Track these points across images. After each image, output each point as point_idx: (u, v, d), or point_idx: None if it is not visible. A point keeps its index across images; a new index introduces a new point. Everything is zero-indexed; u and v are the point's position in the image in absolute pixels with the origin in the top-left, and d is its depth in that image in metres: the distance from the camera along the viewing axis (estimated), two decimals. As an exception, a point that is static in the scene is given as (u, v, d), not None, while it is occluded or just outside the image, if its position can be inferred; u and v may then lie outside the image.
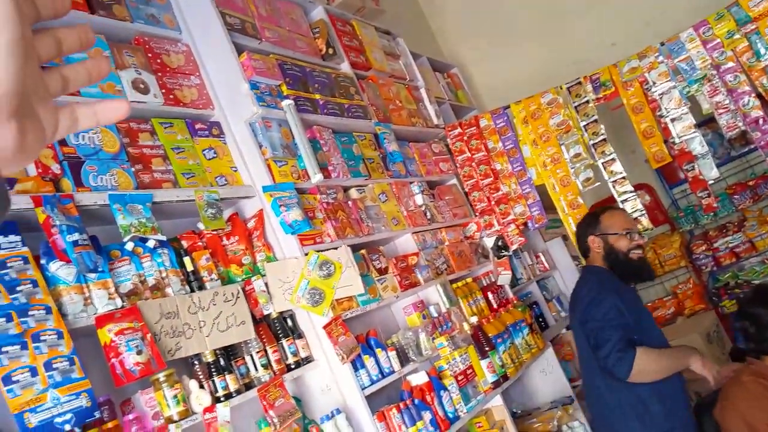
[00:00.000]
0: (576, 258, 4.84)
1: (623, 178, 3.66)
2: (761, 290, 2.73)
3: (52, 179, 1.88)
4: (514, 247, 3.86)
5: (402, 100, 3.77)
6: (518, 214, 3.87)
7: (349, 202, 2.92)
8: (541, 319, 4.32)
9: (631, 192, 3.65)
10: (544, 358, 3.89)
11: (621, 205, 3.64)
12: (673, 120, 3.56)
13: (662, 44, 3.54)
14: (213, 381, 2.06)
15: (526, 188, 3.88)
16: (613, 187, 3.68)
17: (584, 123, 3.74)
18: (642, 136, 3.65)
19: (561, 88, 3.78)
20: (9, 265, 1.67)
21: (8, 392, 1.52)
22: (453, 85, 4.85)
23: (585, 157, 3.72)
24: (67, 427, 1.58)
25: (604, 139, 3.70)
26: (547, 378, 3.97)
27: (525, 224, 3.90)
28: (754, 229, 5.31)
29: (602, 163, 3.70)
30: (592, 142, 3.73)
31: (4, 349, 1.55)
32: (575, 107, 3.76)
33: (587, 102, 3.75)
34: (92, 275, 1.84)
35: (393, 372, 2.63)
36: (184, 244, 2.24)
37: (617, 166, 3.67)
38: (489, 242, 3.93)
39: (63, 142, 1.95)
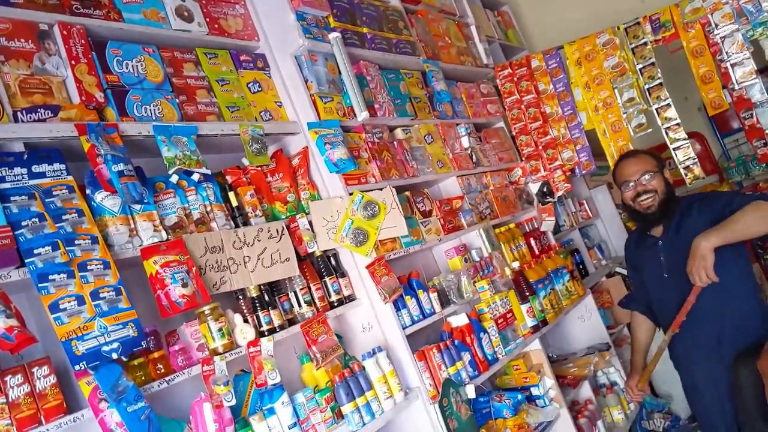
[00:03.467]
0: (620, 206, 4.71)
1: (677, 124, 3.49)
2: None
3: (96, 107, 1.85)
4: (560, 193, 3.75)
5: (451, 37, 3.62)
6: (566, 159, 3.75)
7: (395, 143, 2.84)
8: (581, 267, 4.26)
9: (684, 139, 3.49)
10: (583, 305, 3.85)
11: (673, 153, 3.50)
12: (733, 65, 3.35)
13: (728, -16, 3.30)
14: (257, 315, 2.06)
15: (575, 133, 3.74)
16: (666, 134, 3.51)
17: (640, 66, 3.55)
18: (700, 82, 3.46)
19: (618, 29, 3.59)
20: (54, 193, 1.66)
21: (55, 320, 1.52)
22: (503, 23, 4.65)
23: (639, 101, 3.55)
24: (114, 355, 1.58)
25: (660, 84, 3.52)
26: (585, 324, 3.95)
27: (572, 170, 3.77)
28: (805, 182, 5.08)
29: (656, 109, 3.53)
30: (647, 86, 3.55)
31: (50, 277, 1.55)
32: (632, 49, 3.56)
33: (645, 44, 3.55)
34: (137, 207, 1.82)
35: (434, 313, 2.61)
36: (229, 179, 2.22)
37: (672, 112, 3.50)
38: (534, 188, 3.83)
39: (107, 70, 1.90)
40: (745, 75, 3.33)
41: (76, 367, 1.51)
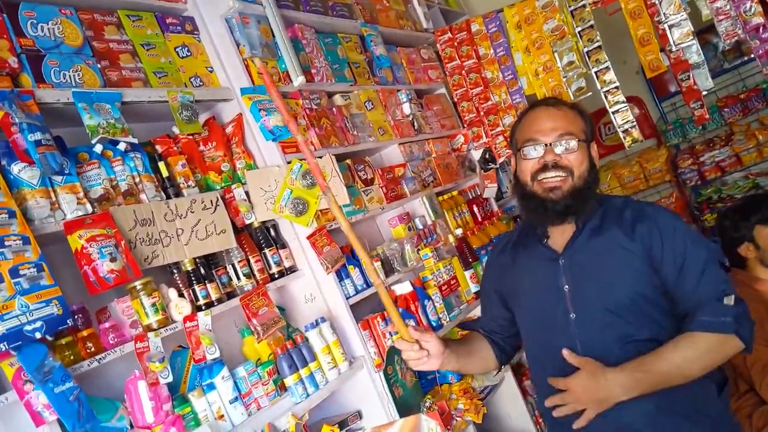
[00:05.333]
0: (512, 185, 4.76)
1: (616, 88, 3.52)
2: (750, 200, 2.72)
3: (9, 74, 1.72)
4: (501, 159, 3.76)
5: (390, 0, 3.55)
6: (507, 125, 3.75)
7: (334, 109, 2.78)
8: (525, 233, 4.29)
9: (623, 103, 3.53)
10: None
11: (612, 117, 3.54)
12: (671, 26, 3.40)
13: (664, -55, 3.33)
14: (193, 290, 1.99)
15: (516, 98, 3.74)
16: (605, 97, 3.55)
17: (580, 29, 3.56)
18: (638, 44, 3.50)
19: (558, -10, 3.58)
20: (-34, 166, 1.55)
21: (-28, 299, 1.43)
22: (442, -13, 4.59)
23: (578, 65, 3.57)
24: (38, 335, 1.50)
25: (599, 47, 3.53)
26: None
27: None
28: (741, 143, 5.26)
29: (595, 72, 3.55)
30: (586, 49, 3.56)
31: (-36, 254, 1.45)
32: (571, 12, 3.57)
33: (584, 6, 3.55)
34: (58, 178, 1.72)
35: (378, 282, 2.59)
36: (159, 148, 2.12)
37: (610, 75, 3.53)
38: (476, 155, 3.83)
39: (20, 33, 1.77)
40: (682, 36, 3.37)
41: (-4, 349, 1.43)
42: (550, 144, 1.64)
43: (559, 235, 1.72)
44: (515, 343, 1.93)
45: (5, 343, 1.45)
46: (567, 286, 1.66)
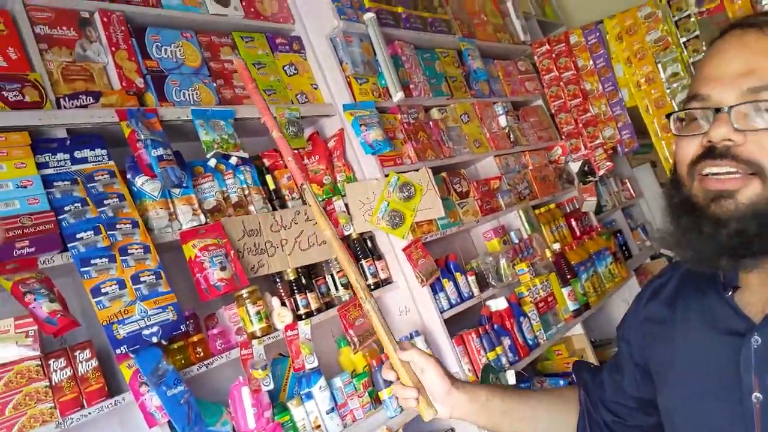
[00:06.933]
0: (664, 185, 4.59)
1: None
2: None
3: (135, 93, 1.86)
4: (601, 172, 3.67)
5: (487, 14, 3.54)
6: (607, 137, 3.65)
7: (430, 123, 2.80)
8: (625, 248, 4.15)
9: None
10: (627, 288, 3.75)
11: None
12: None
13: (775, -48, 3.16)
14: (294, 299, 2.06)
15: (617, 110, 3.64)
16: (713, 109, 3.39)
17: (684, 39, 3.43)
18: (748, 55, 3.33)
19: (661, 1, 3.46)
20: (96, 178, 1.68)
21: (97, 304, 1.54)
22: (541, -2, 4.53)
23: (683, 76, 3.43)
24: (155, 339, 1.60)
25: (706, 57, 3.39)
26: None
27: (614, 149, 3.68)
28: None
29: (703, 84, 3.40)
30: (691, 60, 3.43)
31: (92, 261, 1.57)
32: (675, 22, 3.44)
33: (689, 16, 3.42)
34: (177, 191, 1.83)
35: (472, 296, 2.59)
36: (266, 162, 2.22)
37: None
38: (574, 167, 3.75)
39: (146, 56, 1.91)
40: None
41: (118, 351, 1.53)
42: (728, 109, 0.82)
43: (760, 287, 0.89)
44: None
45: (125, 346, 1.55)
46: (759, 395, 0.85)
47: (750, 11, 3.23)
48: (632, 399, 1.11)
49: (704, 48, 3.36)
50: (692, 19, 3.39)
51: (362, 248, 2.37)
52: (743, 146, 0.81)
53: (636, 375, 1.09)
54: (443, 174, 2.80)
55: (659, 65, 3.46)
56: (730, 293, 0.91)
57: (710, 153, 0.84)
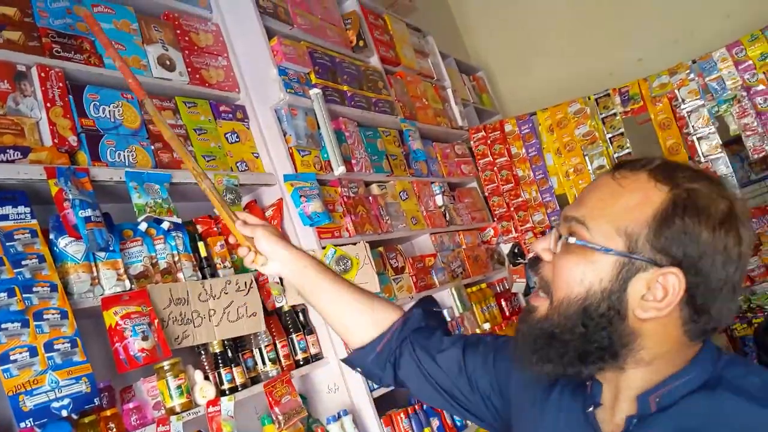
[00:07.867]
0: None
1: (647, 194, 3.56)
2: None
3: (67, 151, 1.79)
4: (530, 255, 3.76)
5: (428, 98, 3.67)
6: (537, 222, 3.78)
7: (370, 198, 2.83)
8: (551, 332, 4.21)
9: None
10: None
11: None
12: (699, 139, 3.47)
13: (694, 62, 3.46)
14: (219, 373, 1.97)
15: (546, 197, 3.79)
16: (636, 203, 3.57)
17: (610, 135, 3.66)
18: (668, 153, 3.56)
19: (589, 99, 3.70)
20: (16, 237, 1.59)
21: (4, 372, 1.43)
22: (478, 88, 4.75)
23: (609, 169, 3.62)
24: (64, 412, 1.49)
25: (629, 153, 3.61)
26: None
27: (543, 233, 3.80)
28: (770, 254, 5.19)
29: (627, 177, 3.60)
30: (616, 155, 3.64)
31: (3, 326, 1.46)
32: (602, 119, 3.67)
33: (614, 114, 3.66)
34: (102, 254, 1.75)
35: (402, 376, 2.54)
36: (199, 228, 2.16)
37: (642, 182, 3.57)
38: (505, 249, 3.84)
39: (83, 114, 1.86)
40: (710, 149, 3.44)
41: (22, 425, 1.42)
42: (556, 224, 0.94)
43: (609, 403, 0.91)
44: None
45: (31, 419, 1.44)
46: None
47: (670, 114, 3.48)
48: (465, 377, 1.18)
49: (628, 144, 3.59)
50: (618, 117, 3.62)
51: (293, 321, 2.31)
52: (539, 268, 0.93)
53: (485, 381, 1.15)
54: (380, 249, 2.80)
55: (587, 157, 3.66)
56: (591, 408, 0.93)
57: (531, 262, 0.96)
